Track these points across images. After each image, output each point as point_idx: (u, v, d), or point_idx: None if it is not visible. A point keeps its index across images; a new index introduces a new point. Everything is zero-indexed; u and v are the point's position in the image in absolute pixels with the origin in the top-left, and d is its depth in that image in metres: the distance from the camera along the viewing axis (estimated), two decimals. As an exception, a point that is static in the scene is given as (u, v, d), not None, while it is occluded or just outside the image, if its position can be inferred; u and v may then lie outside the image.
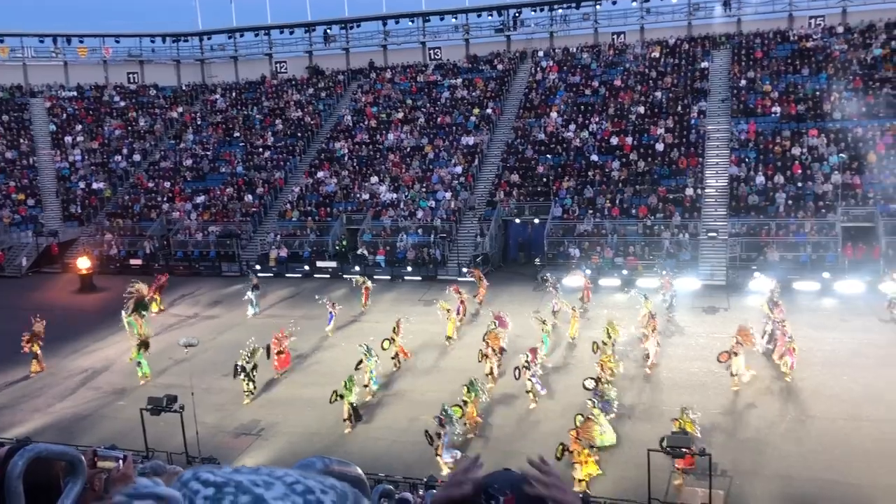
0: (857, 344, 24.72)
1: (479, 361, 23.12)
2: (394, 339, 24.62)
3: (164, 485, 1.00)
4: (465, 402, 19.73)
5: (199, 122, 53.25)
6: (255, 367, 22.93)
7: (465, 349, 25.58)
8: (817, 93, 40.38)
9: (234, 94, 55.68)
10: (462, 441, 19.27)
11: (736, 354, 21.76)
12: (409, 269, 37.35)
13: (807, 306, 29.00)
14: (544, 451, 17.08)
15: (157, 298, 32.83)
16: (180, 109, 55.21)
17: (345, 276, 36.87)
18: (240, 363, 22.70)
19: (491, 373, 22.77)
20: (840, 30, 44.92)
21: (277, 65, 58.74)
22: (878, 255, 32.00)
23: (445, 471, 17.52)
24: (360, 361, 22.58)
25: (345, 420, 20.57)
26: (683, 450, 16.62)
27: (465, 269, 34.67)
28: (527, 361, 21.61)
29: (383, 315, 29.49)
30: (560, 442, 17.26)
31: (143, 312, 28.66)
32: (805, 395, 21.44)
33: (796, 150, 37.51)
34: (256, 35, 58.94)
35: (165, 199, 46.09)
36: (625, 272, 33.73)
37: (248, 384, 22.76)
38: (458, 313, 28.25)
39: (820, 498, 16.29)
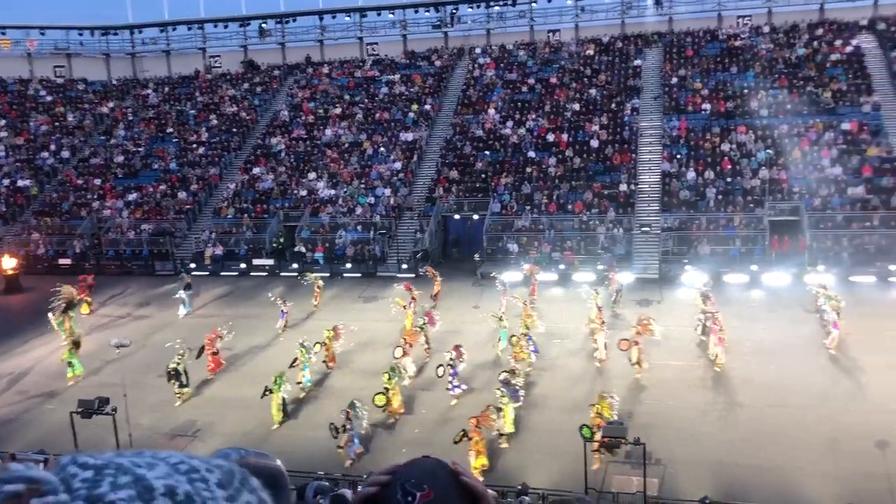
0: (784, 334, 25.59)
1: (397, 358, 23.24)
2: (325, 343, 24.44)
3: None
4: (388, 389, 20.40)
5: (130, 118, 51.89)
6: (185, 371, 22.61)
7: (415, 346, 25.66)
8: (745, 90, 41.61)
9: (166, 88, 54.42)
10: (369, 434, 19.73)
11: (636, 343, 22.58)
12: (349, 265, 37.12)
13: (736, 298, 29.87)
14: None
15: (88, 300, 31.94)
16: (111, 104, 53.69)
17: (282, 273, 36.54)
18: (171, 366, 22.36)
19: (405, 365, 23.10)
20: (766, 29, 46.38)
21: (211, 59, 57.64)
22: (803, 248, 33.18)
23: (347, 463, 18.27)
24: (295, 359, 22.72)
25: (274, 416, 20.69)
26: (619, 440, 17.03)
27: (420, 268, 34.18)
28: (451, 359, 21.92)
29: (333, 314, 29.37)
30: (462, 428, 17.83)
31: (71, 314, 27.83)
32: (735, 384, 22.14)
33: (725, 147, 38.58)
34: (189, 29, 57.65)
35: (96, 196, 44.77)
36: (562, 267, 34.19)
37: (179, 388, 22.41)
38: (410, 310, 28.17)
39: (748, 484, 16.86)
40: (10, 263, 37.11)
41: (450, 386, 21.62)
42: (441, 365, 22.28)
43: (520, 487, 15.82)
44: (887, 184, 34.82)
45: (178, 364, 22.43)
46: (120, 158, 47.68)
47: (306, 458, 17.55)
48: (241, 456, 1.29)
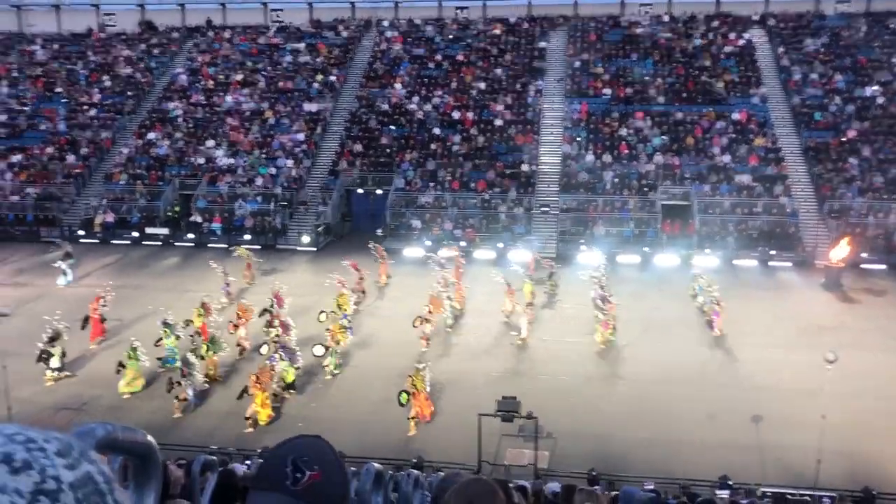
0: (671, 313, 26.75)
1: (231, 333, 23.37)
2: (192, 321, 24.03)
3: None
4: (203, 357, 21.37)
5: (14, 75, 48.86)
6: (63, 352, 21.77)
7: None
8: (645, 77, 42.87)
9: (56, 46, 51.49)
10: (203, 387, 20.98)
11: (428, 321, 23.69)
12: (248, 237, 36.31)
13: (628, 277, 30.95)
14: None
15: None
16: (-8, 59, 50.43)
17: (176, 243, 35.46)
18: (42, 347, 21.51)
19: (239, 344, 23.32)
20: (666, 19, 47.77)
21: (106, 17, 54.76)
22: (692, 231, 34.66)
23: (177, 414, 19.62)
24: (160, 339, 22.47)
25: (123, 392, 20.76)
26: (513, 414, 17.50)
27: (369, 245, 32.47)
28: (277, 335, 22.59)
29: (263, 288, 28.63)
30: (245, 385, 19.19)
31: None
32: (624, 361, 23.08)
33: (623, 132, 39.71)
34: (81, -17, 54.58)
35: (-26, 156, 42.07)
36: (463, 244, 34.50)
37: (52, 372, 21.54)
38: (353, 291, 27.30)
39: (632, 455, 17.63)
40: None
41: (283, 361, 21.37)
42: (265, 343, 22.74)
43: (415, 461, 16.02)
44: (771, 172, 36.73)
45: (52, 345, 21.58)
46: (3, 118, 44.94)
47: (202, 435, 17.24)
48: (108, 432, 1.28)
